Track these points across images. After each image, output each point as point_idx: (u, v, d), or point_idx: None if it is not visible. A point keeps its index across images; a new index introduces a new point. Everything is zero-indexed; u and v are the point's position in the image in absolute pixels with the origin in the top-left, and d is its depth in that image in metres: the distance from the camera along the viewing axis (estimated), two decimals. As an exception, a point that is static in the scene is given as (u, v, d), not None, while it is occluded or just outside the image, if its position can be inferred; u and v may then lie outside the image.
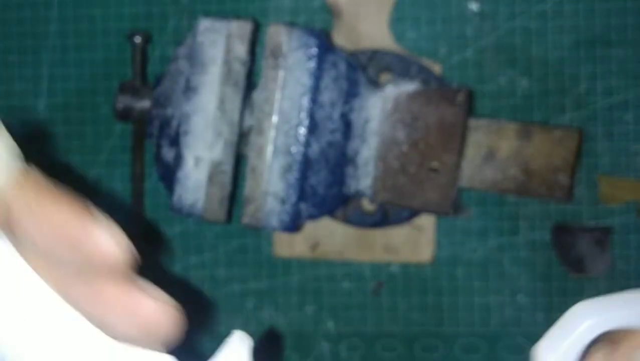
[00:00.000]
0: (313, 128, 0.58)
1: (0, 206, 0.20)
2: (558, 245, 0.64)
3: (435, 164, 0.60)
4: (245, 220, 0.60)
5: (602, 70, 0.63)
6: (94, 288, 0.21)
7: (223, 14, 0.64)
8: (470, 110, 0.62)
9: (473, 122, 0.61)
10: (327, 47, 0.59)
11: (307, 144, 0.58)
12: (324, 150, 0.59)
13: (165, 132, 0.62)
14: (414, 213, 0.64)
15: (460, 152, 0.60)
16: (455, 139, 0.60)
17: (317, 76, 0.58)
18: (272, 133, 0.58)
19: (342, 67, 0.60)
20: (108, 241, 0.21)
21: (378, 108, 0.61)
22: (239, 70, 0.59)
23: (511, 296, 0.65)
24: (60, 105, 0.69)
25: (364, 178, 0.61)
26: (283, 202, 0.58)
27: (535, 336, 0.67)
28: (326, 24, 0.65)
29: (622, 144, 0.63)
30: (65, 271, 0.21)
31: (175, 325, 0.22)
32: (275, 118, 0.58)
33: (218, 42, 0.59)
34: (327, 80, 0.59)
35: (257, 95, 0.59)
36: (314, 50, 0.58)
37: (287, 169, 0.58)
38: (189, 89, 0.59)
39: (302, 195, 0.59)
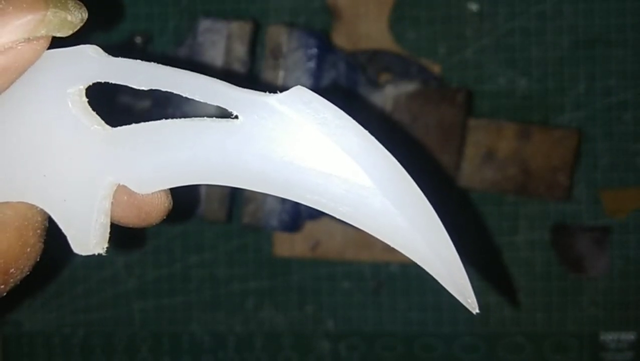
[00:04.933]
0: (313, 128, 0.58)
1: None
2: (557, 245, 0.64)
3: (434, 164, 0.60)
4: (246, 220, 0.60)
5: (601, 70, 0.63)
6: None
7: (223, 15, 0.64)
8: (469, 110, 0.62)
9: (472, 122, 0.61)
10: (327, 47, 0.59)
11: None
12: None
13: (166, 132, 0.62)
14: (413, 213, 0.64)
15: (459, 152, 0.60)
16: (454, 139, 0.60)
17: (317, 76, 0.58)
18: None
19: (342, 67, 0.60)
20: None
21: (378, 108, 0.61)
22: (239, 70, 0.59)
23: (510, 295, 0.65)
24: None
25: (363, 178, 0.61)
26: (283, 201, 0.59)
27: (534, 336, 0.67)
28: (326, 24, 0.65)
29: (621, 144, 0.63)
30: None
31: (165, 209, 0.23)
32: (275, 119, 0.58)
33: (218, 43, 0.59)
34: (326, 80, 0.59)
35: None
36: (314, 51, 0.58)
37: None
38: (189, 89, 0.59)
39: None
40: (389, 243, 0.21)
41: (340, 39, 0.65)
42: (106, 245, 0.23)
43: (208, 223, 0.65)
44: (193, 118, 0.22)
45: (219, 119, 0.21)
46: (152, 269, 0.68)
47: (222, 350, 0.68)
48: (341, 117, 0.20)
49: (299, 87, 0.21)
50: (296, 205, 0.59)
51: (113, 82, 0.22)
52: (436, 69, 0.64)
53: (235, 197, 0.64)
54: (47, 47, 0.22)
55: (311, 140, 0.20)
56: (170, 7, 0.67)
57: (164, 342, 0.69)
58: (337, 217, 0.21)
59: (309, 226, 0.65)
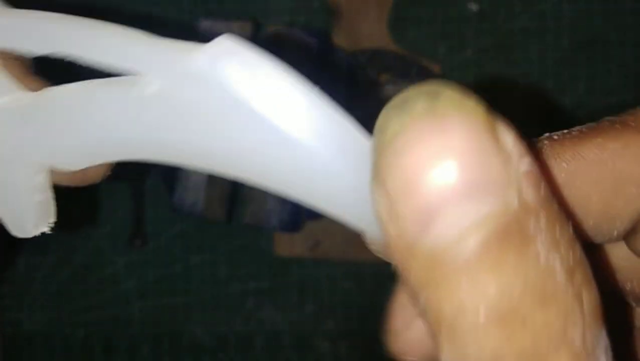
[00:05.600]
0: (313, 128, 0.58)
1: None
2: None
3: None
4: (246, 219, 0.60)
5: (601, 70, 0.63)
6: None
7: (223, 15, 0.64)
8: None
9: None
10: (327, 47, 0.59)
11: (307, 144, 0.58)
12: (324, 150, 0.59)
13: (166, 132, 0.62)
14: (413, 213, 0.64)
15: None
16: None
17: (317, 76, 0.58)
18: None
19: (342, 67, 0.60)
20: None
21: (378, 108, 0.61)
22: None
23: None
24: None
25: (363, 178, 0.61)
26: (283, 201, 0.59)
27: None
28: (326, 24, 0.65)
29: (621, 144, 0.63)
30: None
31: None
32: (275, 119, 0.58)
33: (218, 43, 0.59)
34: (326, 81, 0.59)
35: (258, 95, 0.59)
36: (314, 50, 0.58)
37: (287, 169, 0.58)
38: (190, 89, 0.60)
39: (302, 195, 0.59)
40: (343, 221, 0.18)
41: (340, 39, 0.65)
42: (51, 221, 0.20)
43: (208, 223, 0.65)
44: (108, 80, 0.18)
45: (132, 81, 0.17)
46: (152, 269, 0.68)
47: (222, 350, 0.68)
48: (279, 75, 0.16)
49: (225, 37, 0.17)
50: (296, 205, 0.59)
51: (4, 48, 0.18)
52: (436, 69, 0.64)
53: (235, 197, 0.64)
54: None
55: (245, 115, 0.17)
56: (171, 7, 0.67)
57: (164, 342, 0.69)
58: (278, 193, 0.18)
59: (309, 226, 0.65)
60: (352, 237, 0.71)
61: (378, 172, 0.14)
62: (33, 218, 0.20)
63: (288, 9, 0.66)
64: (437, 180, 0.13)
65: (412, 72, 0.63)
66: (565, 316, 0.12)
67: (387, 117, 0.14)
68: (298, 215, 0.60)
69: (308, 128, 0.17)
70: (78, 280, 0.69)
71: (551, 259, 0.12)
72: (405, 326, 0.19)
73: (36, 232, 0.20)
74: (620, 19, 0.63)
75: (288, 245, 0.66)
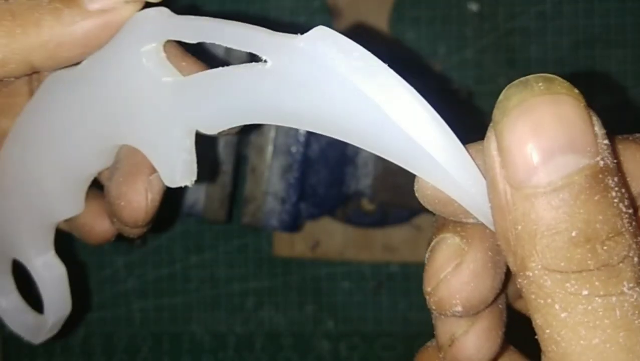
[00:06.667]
0: (313, 128, 0.58)
1: None
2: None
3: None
4: (245, 220, 0.60)
5: (602, 70, 0.63)
6: None
7: (223, 15, 0.64)
8: (469, 110, 0.62)
9: (472, 122, 0.61)
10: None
11: (307, 144, 0.58)
12: (324, 150, 0.59)
13: (166, 132, 0.62)
14: (413, 213, 0.64)
15: (459, 152, 0.60)
16: (454, 139, 0.60)
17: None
18: (272, 133, 0.58)
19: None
20: None
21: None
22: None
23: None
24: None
25: (363, 178, 0.61)
26: (283, 201, 0.59)
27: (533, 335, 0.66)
28: (326, 24, 0.65)
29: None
30: None
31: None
32: (275, 119, 0.58)
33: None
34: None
35: (257, 95, 0.59)
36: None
37: (287, 169, 0.58)
38: (189, 89, 0.60)
39: (302, 195, 0.59)
40: (416, 173, 0.22)
41: (340, 39, 0.65)
42: (193, 177, 0.26)
43: (208, 223, 0.65)
44: (236, 66, 0.23)
45: (252, 64, 0.22)
46: (152, 269, 0.68)
47: (222, 350, 0.68)
48: (365, 57, 0.21)
49: (321, 27, 0.21)
50: (296, 205, 0.59)
51: (174, 39, 0.25)
52: (436, 68, 0.64)
53: (235, 197, 0.64)
54: (139, 9, 0.25)
55: (338, 82, 0.21)
56: (170, 8, 0.67)
57: (164, 342, 0.69)
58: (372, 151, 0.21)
59: (309, 226, 0.65)
60: (352, 237, 0.71)
61: (500, 130, 0.18)
62: (180, 172, 0.25)
63: (288, 9, 0.66)
64: (548, 137, 0.17)
65: (411, 71, 0.63)
66: (629, 246, 0.17)
67: (510, 92, 0.18)
68: (298, 216, 0.60)
69: (389, 95, 0.21)
70: (78, 280, 0.69)
71: (621, 206, 0.17)
72: (450, 273, 0.23)
73: (182, 184, 0.25)
74: (620, 19, 0.63)
75: (288, 246, 0.66)
